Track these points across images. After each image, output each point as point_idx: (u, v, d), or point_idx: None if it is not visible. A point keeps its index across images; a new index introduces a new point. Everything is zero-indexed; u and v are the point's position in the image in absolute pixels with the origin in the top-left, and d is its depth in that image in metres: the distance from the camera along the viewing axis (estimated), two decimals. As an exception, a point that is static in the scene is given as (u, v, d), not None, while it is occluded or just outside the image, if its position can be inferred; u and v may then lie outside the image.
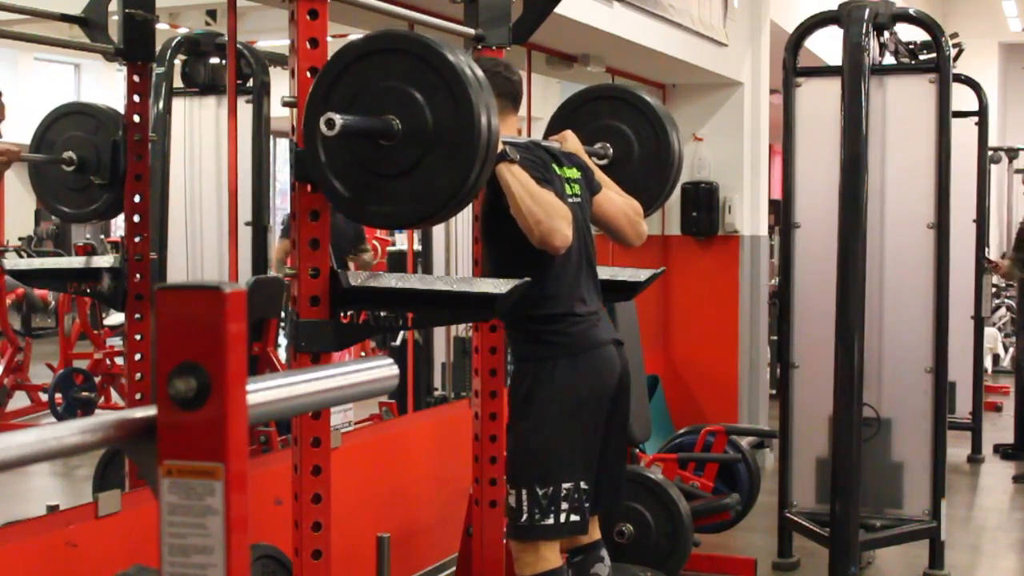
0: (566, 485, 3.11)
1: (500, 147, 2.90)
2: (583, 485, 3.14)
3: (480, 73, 2.54)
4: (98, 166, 3.77)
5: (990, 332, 9.79)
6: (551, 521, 3.11)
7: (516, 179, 3.00)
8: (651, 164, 3.77)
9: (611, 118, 3.81)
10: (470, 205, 3.44)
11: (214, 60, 4.35)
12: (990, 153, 8.19)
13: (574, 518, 3.14)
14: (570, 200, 3.18)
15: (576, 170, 3.33)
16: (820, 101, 4.74)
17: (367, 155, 2.54)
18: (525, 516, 3.13)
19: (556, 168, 3.24)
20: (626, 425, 3.42)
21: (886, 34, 4.80)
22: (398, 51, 2.54)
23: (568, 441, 3.14)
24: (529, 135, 5.97)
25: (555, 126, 3.72)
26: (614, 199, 3.44)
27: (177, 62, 4.27)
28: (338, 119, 2.42)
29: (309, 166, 2.59)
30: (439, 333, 5.77)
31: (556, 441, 3.14)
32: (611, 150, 3.77)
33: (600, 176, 3.47)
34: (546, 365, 3.16)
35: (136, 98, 3.62)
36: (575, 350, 3.17)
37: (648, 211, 3.61)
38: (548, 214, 2.98)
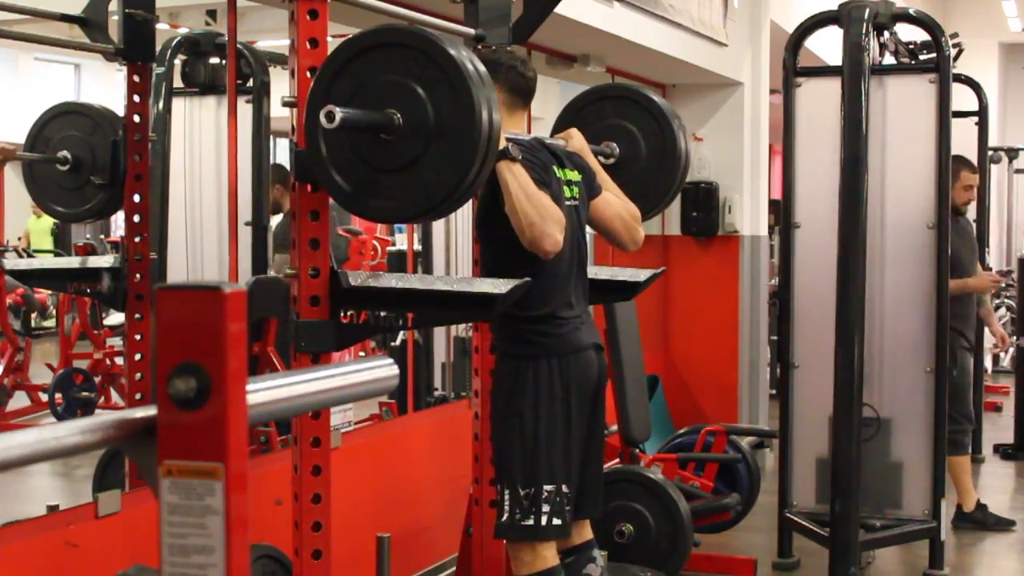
0: (548, 488, 3.10)
1: (503, 144, 2.89)
2: (564, 489, 3.12)
3: (482, 68, 2.53)
4: (93, 165, 3.76)
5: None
6: (531, 522, 3.10)
7: (515, 178, 2.99)
8: (657, 163, 3.75)
9: (617, 117, 3.79)
10: (470, 205, 3.45)
11: (214, 60, 4.35)
12: (990, 153, 8.19)
13: (556, 521, 3.12)
14: (567, 203, 3.17)
15: (577, 172, 3.32)
16: (820, 101, 4.73)
17: (368, 150, 2.54)
18: (506, 515, 3.12)
19: (557, 170, 3.23)
20: (603, 430, 3.42)
21: (886, 34, 4.79)
22: (399, 45, 2.54)
23: (549, 444, 3.13)
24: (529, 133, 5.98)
25: (561, 125, 3.70)
26: (612, 202, 3.42)
27: (177, 62, 4.27)
28: (338, 112, 2.42)
29: (310, 160, 2.58)
30: (439, 333, 5.77)
31: (538, 443, 3.12)
32: (617, 149, 3.75)
33: (603, 177, 3.45)
34: (528, 365, 3.15)
35: (136, 98, 3.62)
36: (558, 352, 3.17)
37: (654, 210, 3.59)
38: (542, 217, 2.98)
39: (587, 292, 3.33)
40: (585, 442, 3.24)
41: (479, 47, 3.39)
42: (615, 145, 3.75)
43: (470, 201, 3.13)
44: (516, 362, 3.18)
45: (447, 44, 2.51)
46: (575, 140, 3.43)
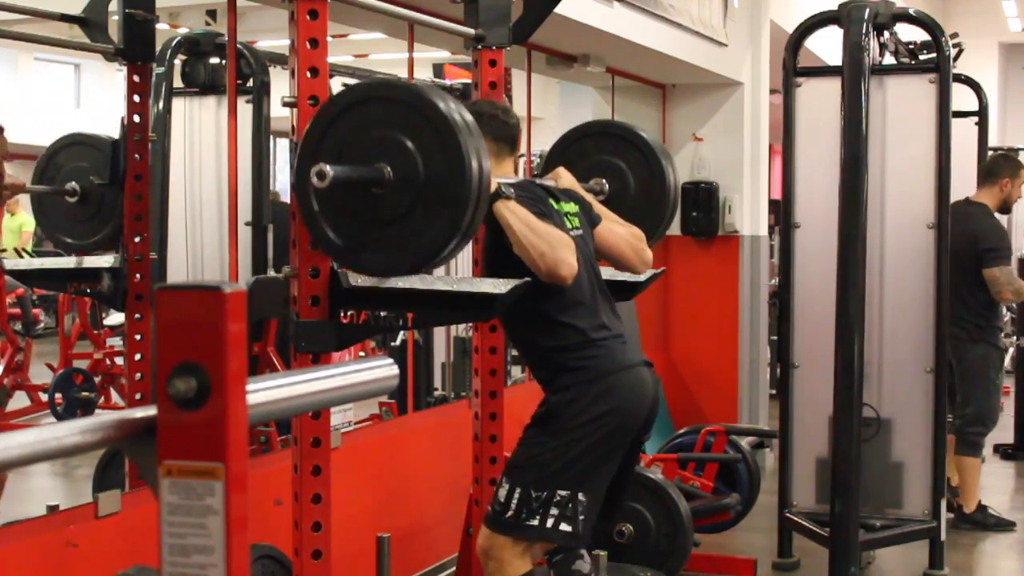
0: (562, 493, 3.09)
1: (495, 186, 2.89)
2: (581, 497, 3.10)
3: (469, 118, 2.54)
4: (101, 197, 3.79)
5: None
6: (535, 523, 3.09)
7: (515, 215, 2.98)
8: (647, 195, 3.76)
9: (603, 154, 3.81)
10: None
11: (214, 60, 4.35)
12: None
13: (564, 527, 3.09)
14: (572, 233, 3.17)
15: (573, 204, 3.33)
16: (820, 101, 4.73)
17: (360, 204, 2.54)
18: (511, 513, 3.11)
19: (553, 203, 3.23)
20: (642, 445, 3.41)
21: (886, 34, 4.79)
22: (387, 100, 2.55)
23: (578, 455, 3.11)
24: (529, 133, 5.99)
25: (548, 166, 3.72)
26: (615, 229, 3.44)
27: (177, 62, 4.27)
28: (329, 170, 2.42)
29: (303, 216, 2.59)
30: (439, 333, 5.77)
31: (563, 453, 3.11)
32: (607, 185, 3.76)
33: (599, 208, 3.47)
34: (571, 391, 3.14)
35: (136, 98, 3.61)
36: (605, 371, 3.15)
37: (649, 241, 3.60)
38: (551, 245, 2.96)
39: (618, 314, 3.32)
40: (625, 457, 3.24)
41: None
42: (604, 182, 3.76)
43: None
44: (564, 392, 3.16)
45: (434, 96, 2.52)
46: (564, 178, 3.44)
